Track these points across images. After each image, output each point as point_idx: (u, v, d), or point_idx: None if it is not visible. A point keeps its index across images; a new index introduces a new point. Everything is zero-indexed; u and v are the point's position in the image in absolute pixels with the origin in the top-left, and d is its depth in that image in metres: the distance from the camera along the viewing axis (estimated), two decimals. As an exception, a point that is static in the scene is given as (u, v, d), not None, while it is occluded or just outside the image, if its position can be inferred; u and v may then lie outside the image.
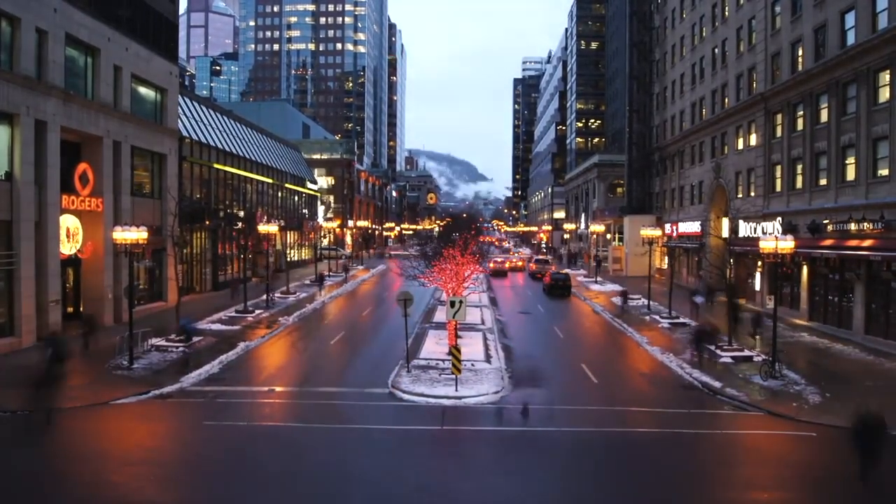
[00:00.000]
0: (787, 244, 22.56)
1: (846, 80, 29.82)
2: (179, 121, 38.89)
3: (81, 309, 30.22)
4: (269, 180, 57.46)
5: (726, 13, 44.58)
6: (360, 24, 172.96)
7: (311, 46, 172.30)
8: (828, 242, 29.67)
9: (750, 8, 40.43)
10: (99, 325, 26.32)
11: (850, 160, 29.53)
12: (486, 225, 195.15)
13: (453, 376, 21.10)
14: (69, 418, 17.77)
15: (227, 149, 48.06)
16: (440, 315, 34.53)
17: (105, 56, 29.88)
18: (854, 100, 29.19)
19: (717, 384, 21.73)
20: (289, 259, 60.56)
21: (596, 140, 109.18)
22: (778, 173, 36.67)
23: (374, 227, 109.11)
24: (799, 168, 34.28)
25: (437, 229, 76.88)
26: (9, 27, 24.34)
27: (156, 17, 35.06)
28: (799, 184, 34.20)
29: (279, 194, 61.49)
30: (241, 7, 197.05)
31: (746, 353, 25.85)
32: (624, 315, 37.06)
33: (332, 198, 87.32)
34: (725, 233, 41.53)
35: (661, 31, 59.91)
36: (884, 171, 27.20)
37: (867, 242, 26.90)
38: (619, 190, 74.31)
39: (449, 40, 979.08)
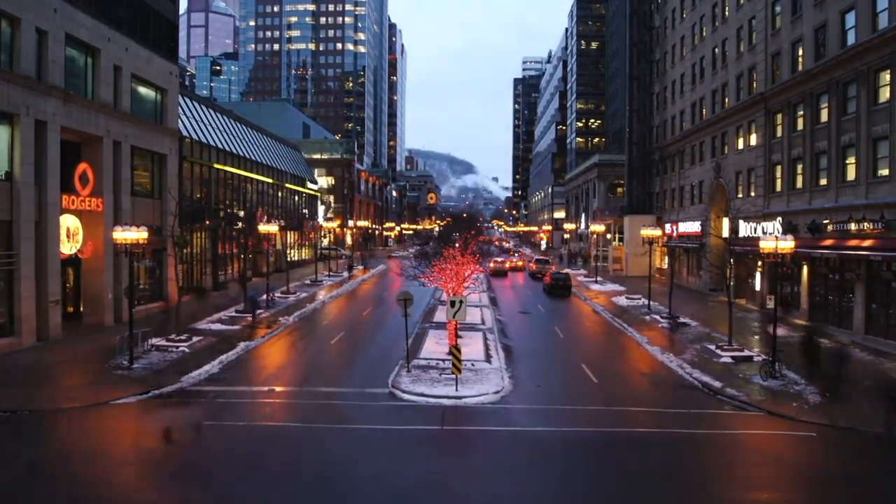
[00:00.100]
0: (787, 244, 22.57)
1: (846, 79, 29.81)
2: (179, 121, 38.88)
3: (82, 309, 30.24)
4: (270, 180, 57.46)
5: (726, 13, 44.58)
6: (360, 24, 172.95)
7: (311, 46, 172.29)
8: (828, 242, 29.66)
9: (750, 8, 40.43)
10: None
11: (851, 160, 29.52)
12: (486, 225, 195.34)
13: (453, 376, 21.10)
14: (69, 418, 17.79)
15: (228, 149, 48.06)
16: (440, 315, 34.53)
17: (105, 56, 29.87)
18: (854, 100, 29.19)
19: (717, 384, 21.73)
20: (289, 259, 60.58)
21: (596, 140, 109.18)
22: (778, 173, 36.67)
23: (374, 226, 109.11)
24: (799, 168, 34.27)
25: (437, 229, 76.85)
26: (9, 27, 24.33)
27: (156, 17, 35.05)
28: (799, 184, 34.19)
29: (279, 194, 61.50)
30: (241, 7, 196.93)
31: (746, 353, 25.85)
32: (624, 315, 37.06)
33: (332, 198, 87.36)
34: (725, 233, 41.52)
35: (661, 31, 59.91)
36: (884, 171, 27.20)
37: (867, 242, 26.89)
38: (620, 190, 74.29)
39: (449, 40, 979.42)
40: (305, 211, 70.08)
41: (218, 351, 25.75)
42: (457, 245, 28.61)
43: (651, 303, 38.95)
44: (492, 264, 58.40)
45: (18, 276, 24.64)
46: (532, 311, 40.27)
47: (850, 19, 29.44)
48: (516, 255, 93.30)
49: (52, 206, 26.38)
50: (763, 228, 36.47)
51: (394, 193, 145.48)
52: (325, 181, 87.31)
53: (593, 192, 79.49)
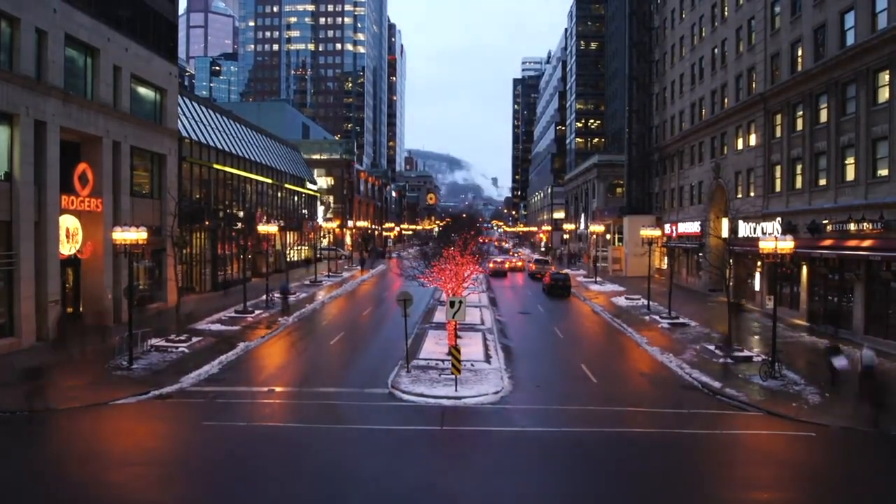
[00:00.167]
0: (787, 244, 22.57)
1: (846, 80, 29.83)
2: (179, 121, 38.89)
3: (81, 309, 30.21)
4: (269, 180, 57.46)
5: (726, 13, 44.60)
6: (359, 25, 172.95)
7: (311, 47, 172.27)
8: (827, 242, 29.67)
9: (749, 8, 40.45)
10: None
11: (850, 160, 29.54)
12: (486, 225, 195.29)
13: (453, 376, 21.10)
14: (69, 418, 17.79)
15: (227, 149, 48.06)
16: (440, 315, 34.53)
17: (105, 56, 29.87)
18: (853, 100, 29.20)
19: (716, 384, 21.74)
20: (288, 259, 60.57)
21: (595, 140, 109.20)
22: (777, 173, 36.68)
23: (373, 227, 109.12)
24: (798, 168, 34.29)
25: (436, 230, 76.86)
26: (9, 27, 24.33)
27: (155, 18, 35.06)
28: (798, 184, 34.21)
29: (279, 194, 61.49)
30: (240, 7, 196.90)
31: (746, 353, 25.86)
32: (623, 315, 37.07)
33: (331, 198, 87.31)
34: (725, 233, 41.53)
35: (661, 31, 59.94)
36: (883, 171, 27.21)
37: (867, 242, 26.91)
38: (619, 190, 74.29)
39: (449, 40, 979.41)
40: (305, 211, 70.07)
41: (218, 351, 25.74)
42: (456, 245, 28.60)
43: (651, 303, 38.97)
44: (491, 264, 58.70)
45: (18, 276, 24.64)
46: (531, 311, 40.28)
47: (850, 19, 29.47)
48: (515, 255, 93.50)
49: (52, 206, 26.37)
50: (762, 229, 36.49)
51: (393, 194, 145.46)
52: (324, 181, 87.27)
53: (593, 192, 79.50)
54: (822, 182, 31.83)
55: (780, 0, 36.61)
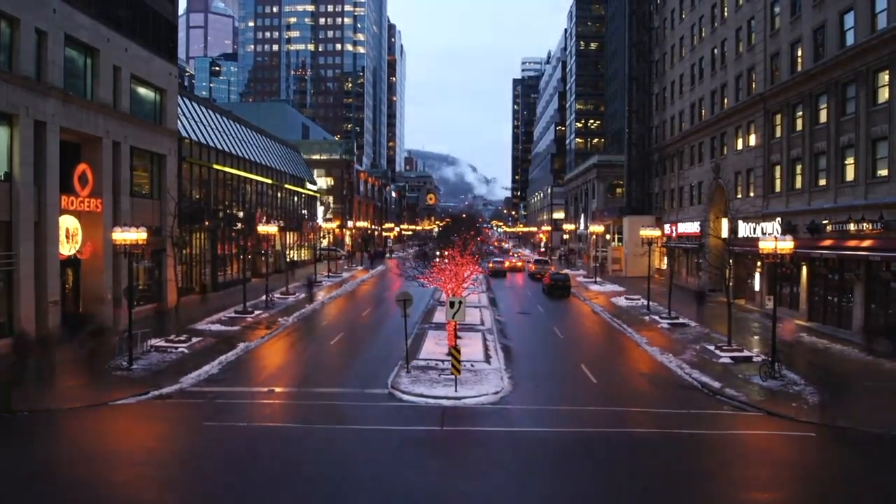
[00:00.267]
0: (787, 244, 22.58)
1: (845, 80, 29.84)
2: (179, 121, 38.88)
3: (81, 309, 30.19)
4: (269, 181, 57.46)
5: (725, 14, 44.62)
6: (359, 25, 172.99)
7: (311, 47, 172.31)
8: (827, 243, 29.68)
9: (749, 8, 40.47)
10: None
11: (850, 160, 29.55)
12: (486, 226, 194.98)
13: (453, 377, 21.10)
14: (69, 418, 17.78)
15: (227, 149, 48.06)
16: (440, 315, 34.53)
17: (104, 57, 29.86)
18: (853, 100, 29.22)
19: (716, 384, 21.74)
20: (288, 260, 60.58)
21: (595, 140, 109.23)
22: (777, 174, 36.70)
23: (373, 227, 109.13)
24: (798, 168, 34.30)
25: (436, 230, 76.89)
26: (8, 28, 24.31)
27: (155, 18, 35.05)
28: (798, 184, 34.22)
29: (278, 195, 61.49)
30: (240, 7, 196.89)
31: (746, 353, 25.87)
32: (623, 315, 37.07)
33: (331, 198, 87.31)
34: (725, 233, 41.54)
35: (661, 31, 59.96)
36: (883, 172, 27.23)
37: (866, 243, 26.91)
38: (619, 190, 74.30)
39: (448, 40, 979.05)
40: (305, 211, 70.08)
41: (217, 351, 25.74)
42: (456, 246, 28.59)
43: (650, 303, 38.97)
44: (491, 264, 58.80)
45: (18, 276, 24.60)
46: (531, 311, 40.28)
47: (849, 20, 29.48)
48: (515, 255, 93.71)
49: (52, 206, 26.36)
50: (762, 229, 36.50)
51: (393, 194, 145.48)
52: (324, 182, 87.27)
53: (592, 192, 79.51)
54: (822, 182, 31.84)
55: (779, 0, 36.62)
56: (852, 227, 28.17)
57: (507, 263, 69.49)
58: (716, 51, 46.24)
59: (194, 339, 27.25)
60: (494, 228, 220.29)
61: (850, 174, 29.53)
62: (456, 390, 20.44)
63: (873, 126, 27.68)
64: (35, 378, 19.81)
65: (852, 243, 27.74)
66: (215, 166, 45.36)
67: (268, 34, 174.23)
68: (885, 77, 27.12)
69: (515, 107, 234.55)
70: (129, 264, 24.62)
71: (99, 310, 29.51)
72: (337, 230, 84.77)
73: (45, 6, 25.83)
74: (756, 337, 30.08)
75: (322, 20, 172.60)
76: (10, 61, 24.39)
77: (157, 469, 14.61)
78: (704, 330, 31.46)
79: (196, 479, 14.25)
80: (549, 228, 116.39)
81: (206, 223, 42.75)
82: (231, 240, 45.85)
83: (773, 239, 22.90)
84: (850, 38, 29.42)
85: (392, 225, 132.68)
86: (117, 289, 30.67)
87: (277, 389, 21.25)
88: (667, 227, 53.92)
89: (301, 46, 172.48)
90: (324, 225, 72.63)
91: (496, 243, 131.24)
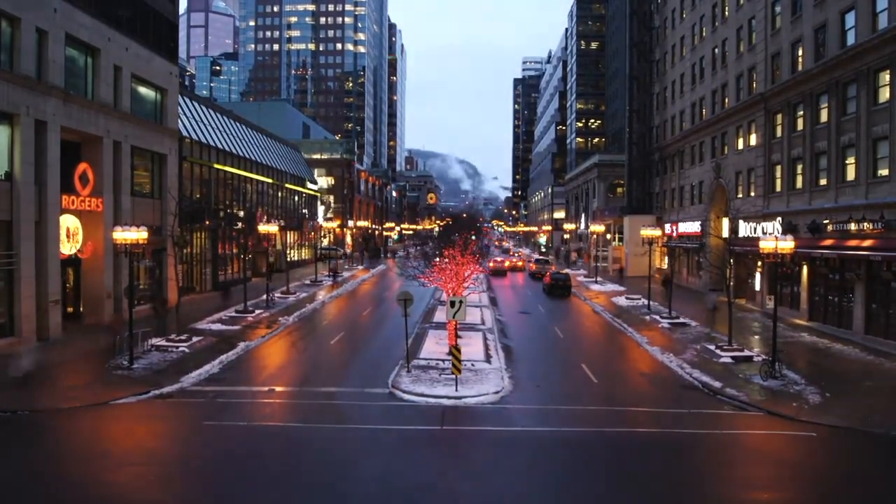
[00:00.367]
0: (787, 244, 22.57)
1: (846, 80, 29.82)
2: (179, 121, 38.89)
3: (82, 309, 30.22)
4: (269, 180, 57.47)
5: (726, 13, 44.59)
6: (360, 24, 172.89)
7: (311, 46, 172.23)
8: (828, 242, 29.67)
9: (750, 8, 40.44)
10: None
11: (850, 160, 29.53)
12: (486, 225, 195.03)
13: (453, 376, 21.10)
14: (69, 418, 17.79)
15: (227, 149, 48.07)
16: (440, 315, 34.53)
17: (105, 56, 29.87)
18: (854, 100, 29.20)
19: (716, 384, 21.73)
20: (289, 259, 60.58)
21: (596, 140, 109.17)
22: (778, 173, 36.67)
23: (374, 226, 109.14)
24: (799, 168, 34.28)
25: (436, 229, 76.92)
26: (9, 27, 24.33)
27: (156, 18, 35.05)
28: (799, 184, 34.20)
29: (279, 194, 61.50)
30: (241, 7, 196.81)
31: (746, 353, 25.86)
32: (624, 315, 37.07)
33: (331, 198, 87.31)
34: (725, 233, 41.52)
35: (661, 31, 59.92)
36: (884, 171, 27.21)
37: (867, 242, 26.90)
38: (619, 190, 74.30)
39: (449, 40, 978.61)
40: (305, 211, 70.09)
41: (218, 351, 25.75)
42: (456, 245, 28.59)
43: (651, 303, 38.96)
44: (491, 264, 59.10)
45: (18, 276, 24.64)
46: (532, 311, 40.28)
47: (850, 19, 29.46)
48: (516, 255, 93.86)
49: (52, 206, 26.38)
50: (763, 228, 36.49)
51: (394, 193, 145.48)
52: (324, 181, 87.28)
53: (593, 192, 79.51)
54: (823, 182, 31.82)
55: (780, 0, 36.60)
56: (853, 226, 28.15)
57: (507, 262, 70.00)
58: (716, 50, 46.21)
59: (195, 339, 27.26)
60: (495, 228, 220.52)
61: (850, 174, 29.51)
62: (456, 390, 20.45)
63: (874, 126, 27.66)
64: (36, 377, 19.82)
65: (853, 243, 27.73)
66: (216, 166, 45.37)
67: (268, 33, 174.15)
68: (885, 77, 27.10)
69: (516, 106, 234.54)
70: (130, 264, 24.63)
71: (99, 309, 29.55)
72: (337, 230, 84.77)
73: (45, 5, 25.85)
74: (757, 337, 30.06)
75: (323, 19, 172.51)
76: (10, 61, 24.41)
77: (157, 468, 14.62)
78: (705, 329, 31.45)
79: (196, 478, 14.26)
80: (549, 228, 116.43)
81: (207, 222, 42.77)
82: (231, 239, 45.87)
83: (773, 238, 22.89)
84: (850, 38, 29.40)
85: (393, 224, 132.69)
86: (118, 288, 30.71)
87: (278, 389, 21.26)
88: (667, 226, 53.93)
89: (302, 46, 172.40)
90: (324, 224, 72.61)
91: (497, 242, 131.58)
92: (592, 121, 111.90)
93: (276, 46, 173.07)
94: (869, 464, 15.66)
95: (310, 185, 73.20)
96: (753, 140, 40.10)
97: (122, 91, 31.28)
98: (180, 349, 25.43)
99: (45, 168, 25.95)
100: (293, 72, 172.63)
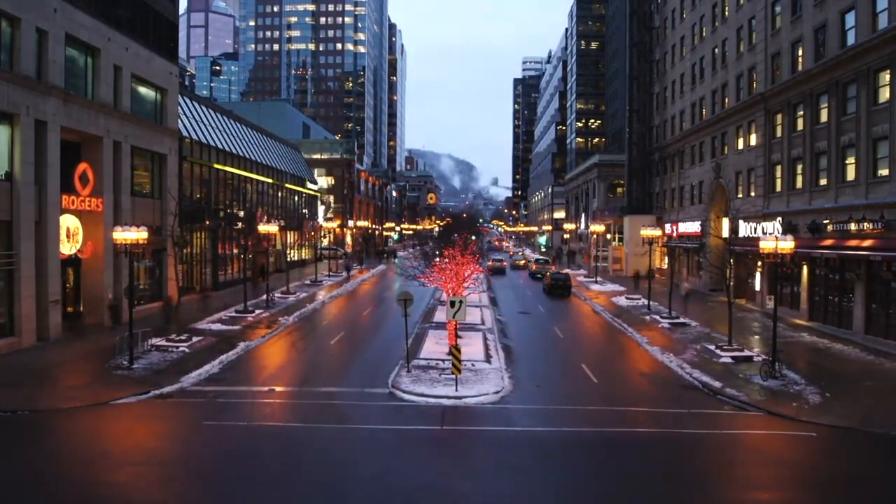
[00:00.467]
0: (787, 244, 22.57)
1: (846, 80, 29.82)
2: (179, 121, 38.89)
3: (82, 309, 30.22)
4: (269, 180, 57.47)
5: (726, 13, 44.59)
6: (360, 24, 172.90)
7: (311, 46, 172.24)
8: (828, 242, 29.67)
9: (750, 8, 40.44)
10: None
11: (851, 160, 29.54)
12: (486, 226, 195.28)
13: (453, 376, 21.11)
14: (69, 418, 17.79)
15: (227, 149, 48.07)
16: (440, 315, 34.53)
17: (105, 56, 29.87)
18: (854, 100, 29.20)
19: (717, 384, 21.73)
20: (289, 259, 60.58)
21: (596, 140, 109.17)
22: (778, 173, 36.68)
23: (374, 226, 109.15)
24: (799, 168, 34.29)
25: (436, 229, 76.97)
26: (9, 27, 24.33)
27: (156, 17, 35.05)
28: (799, 184, 34.21)
29: (279, 194, 61.50)
30: (241, 7, 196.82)
31: (746, 353, 25.87)
32: (624, 315, 37.07)
33: (332, 198, 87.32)
34: (725, 233, 41.54)
35: (661, 31, 59.93)
36: (884, 171, 27.21)
37: (867, 242, 26.90)
38: (619, 190, 74.31)
39: (449, 40, 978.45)
40: (305, 211, 70.09)
41: (218, 351, 25.75)
42: (456, 245, 28.60)
43: (651, 303, 38.96)
44: (490, 262, 59.44)
45: (18, 275, 24.64)
46: (532, 311, 40.29)
47: (850, 19, 29.46)
48: (517, 253, 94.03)
49: (52, 206, 26.38)
50: (763, 228, 36.49)
51: (394, 193, 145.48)
52: (324, 181, 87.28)
53: (593, 192, 79.50)
54: (823, 182, 31.82)
55: (780, 0, 36.60)
56: (853, 226, 28.15)
57: (506, 262, 70.48)
58: (716, 50, 46.21)
59: (195, 339, 27.26)
60: (495, 228, 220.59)
61: (850, 174, 29.52)
62: (456, 390, 20.45)
63: (874, 126, 27.67)
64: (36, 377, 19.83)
65: (853, 243, 27.73)
66: (216, 166, 45.37)
67: (268, 33, 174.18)
68: (885, 77, 27.10)
69: (516, 106, 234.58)
70: (130, 264, 24.62)
71: (99, 309, 29.54)
72: (338, 229, 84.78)
73: (45, 5, 25.85)
74: (757, 336, 30.07)
75: (323, 19, 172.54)
76: (10, 61, 24.41)
77: (157, 468, 14.61)
78: (705, 330, 31.45)
79: (196, 478, 14.25)
80: (549, 228, 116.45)
81: (207, 222, 42.77)
82: (231, 239, 45.86)
83: (773, 238, 22.90)
84: (850, 38, 29.40)
85: (393, 224, 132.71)
86: (118, 288, 30.70)
87: (278, 389, 21.26)
88: (667, 226, 53.92)
89: (302, 46, 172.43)
90: (324, 224, 72.63)
91: (497, 242, 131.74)
92: (592, 121, 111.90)
93: (276, 46, 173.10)
94: (869, 464, 15.67)
95: (310, 185, 73.20)
96: (753, 140, 40.11)
97: (122, 91, 31.27)
98: (180, 349, 25.43)
99: (45, 168, 25.95)
100: (293, 72, 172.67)
